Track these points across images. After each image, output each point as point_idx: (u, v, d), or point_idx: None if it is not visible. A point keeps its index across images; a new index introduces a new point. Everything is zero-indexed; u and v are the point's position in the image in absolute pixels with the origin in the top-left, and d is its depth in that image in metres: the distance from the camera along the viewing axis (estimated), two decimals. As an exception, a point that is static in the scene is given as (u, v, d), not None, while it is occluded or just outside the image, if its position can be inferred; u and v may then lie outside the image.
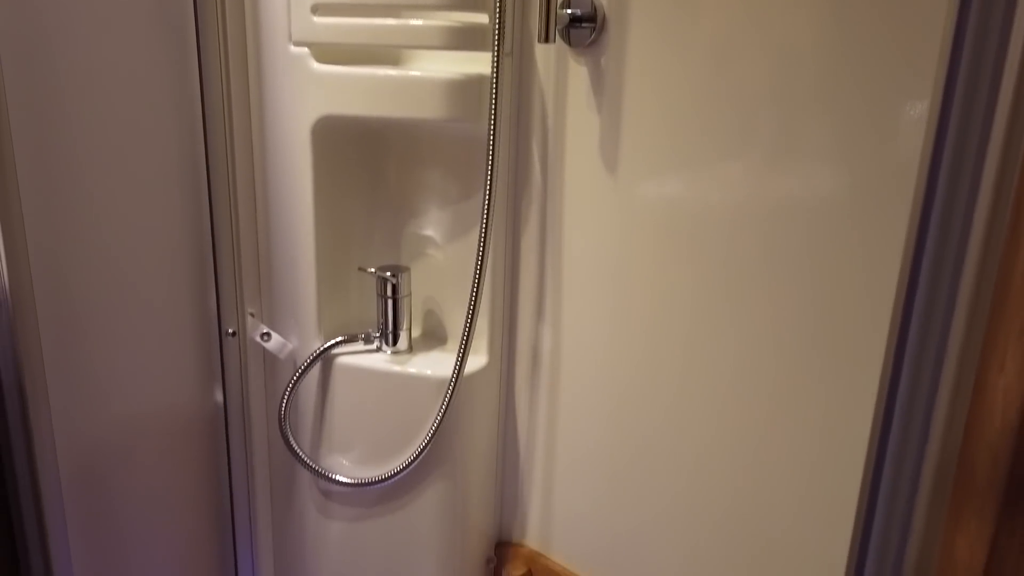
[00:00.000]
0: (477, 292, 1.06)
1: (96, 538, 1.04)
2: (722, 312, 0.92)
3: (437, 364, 1.14)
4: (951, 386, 0.35)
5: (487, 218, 1.03)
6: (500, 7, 0.96)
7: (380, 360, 1.15)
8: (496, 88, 0.98)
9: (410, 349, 1.17)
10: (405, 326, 1.16)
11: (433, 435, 1.11)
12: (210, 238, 1.10)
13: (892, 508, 0.35)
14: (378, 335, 1.16)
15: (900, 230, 0.66)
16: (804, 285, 0.82)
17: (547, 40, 0.95)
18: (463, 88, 1.01)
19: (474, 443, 1.19)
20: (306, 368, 1.14)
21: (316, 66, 1.03)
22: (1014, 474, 0.39)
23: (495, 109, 0.99)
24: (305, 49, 1.03)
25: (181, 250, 1.07)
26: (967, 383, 0.37)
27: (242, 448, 1.18)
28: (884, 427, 0.34)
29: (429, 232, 1.18)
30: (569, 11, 0.96)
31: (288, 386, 1.15)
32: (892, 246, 0.72)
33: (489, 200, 1.02)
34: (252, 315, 1.17)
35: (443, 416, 1.10)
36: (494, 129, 1.00)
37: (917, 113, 0.70)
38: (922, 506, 0.34)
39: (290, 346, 1.16)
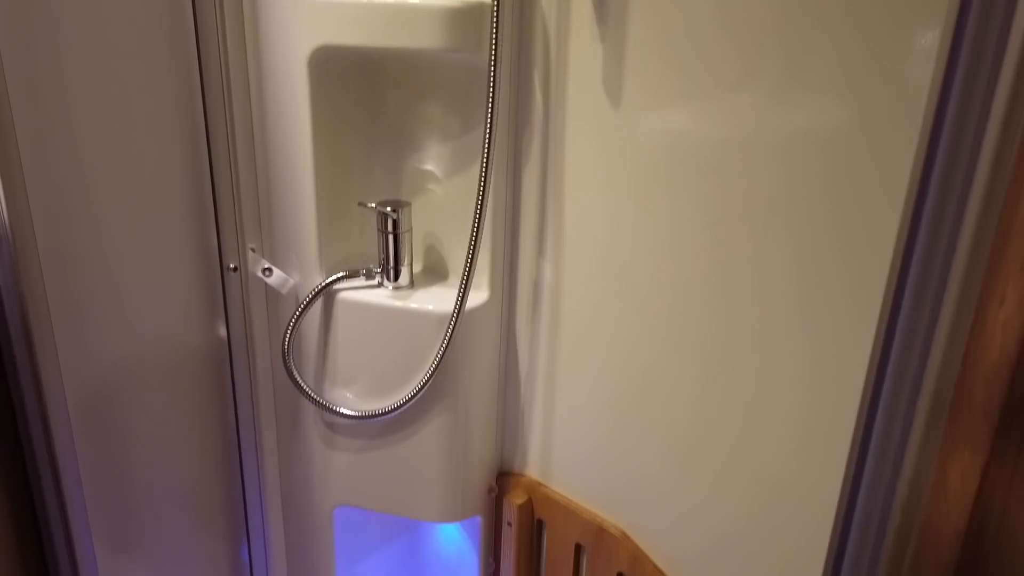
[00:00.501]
0: (478, 227, 1.06)
1: (106, 469, 1.06)
2: (725, 246, 0.91)
3: (438, 299, 1.15)
4: (951, 318, 0.35)
5: (488, 152, 1.02)
6: (501, -69, 0.92)
7: (382, 296, 1.16)
8: (497, 17, 0.96)
9: (411, 284, 1.18)
10: (406, 262, 1.16)
11: (435, 369, 1.13)
12: (208, 173, 1.09)
13: (887, 437, 0.35)
14: (379, 271, 1.16)
15: (907, 163, 0.66)
16: (808, 218, 0.81)
17: (549, -34, 0.92)
18: (463, 16, 0.99)
19: (475, 377, 1.20)
20: (308, 303, 1.15)
21: (312, -6, 1.00)
22: (1009, 405, 0.40)
23: (496, 39, 0.97)
24: (300, -24, 1.00)
25: (179, 184, 1.06)
26: (967, 315, 0.37)
27: (247, 381, 1.20)
28: (883, 358, 0.35)
29: (429, 167, 1.16)
30: (572, -65, 0.93)
31: (291, 321, 1.15)
32: (898, 179, 0.71)
33: (490, 133, 1.01)
34: (253, 250, 1.17)
35: (445, 351, 1.11)
36: (495, 59, 0.98)
37: (927, 42, 0.68)
38: (917, 435, 0.35)
39: (292, 281, 1.17)
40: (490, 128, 1.01)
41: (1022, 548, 0.36)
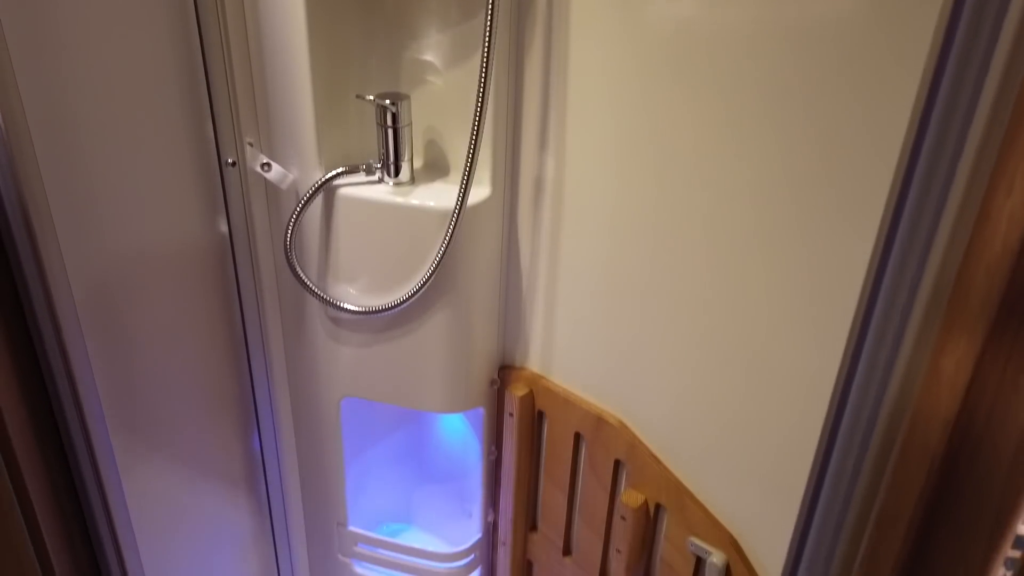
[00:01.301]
0: (479, 121, 1.04)
1: (116, 362, 1.08)
2: (732, 136, 0.90)
3: (440, 195, 1.14)
4: (957, 207, 0.35)
5: (488, 40, 0.99)
6: None
7: (382, 192, 1.15)
8: None
9: (412, 180, 1.17)
10: (406, 157, 1.14)
11: (437, 266, 1.13)
12: (202, 65, 1.06)
13: (885, 325, 0.36)
14: (379, 166, 1.15)
15: (922, 48, 0.63)
16: (818, 104, 0.79)
17: None
18: None
19: (477, 273, 1.21)
20: (308, 199, 1.14)
21: None
22: (1008, 297, 0.40)
23: (497, -82, 0.92)
24: None
25: (173, 78, 1.03)
26: (973, 205, 0.36)
27: (250, 277, 1.20)
28: (886, 247, 0.35)
29: (428, 57, 1.13)
30: None
31: (292, 217, 1.15)
32: (912, 65, 0.69)
33: (491, 20, 0.97)
34: (251, 145, 1.15)
35: (446, 247, 1.12)
36: (496, -59, 0.93)
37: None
38: (915, 323, 0.35)
39: (291, 177, 1.16)
40: (491, 15, 0.97)
41: (1010, 436, 0.37)
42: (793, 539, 0.46)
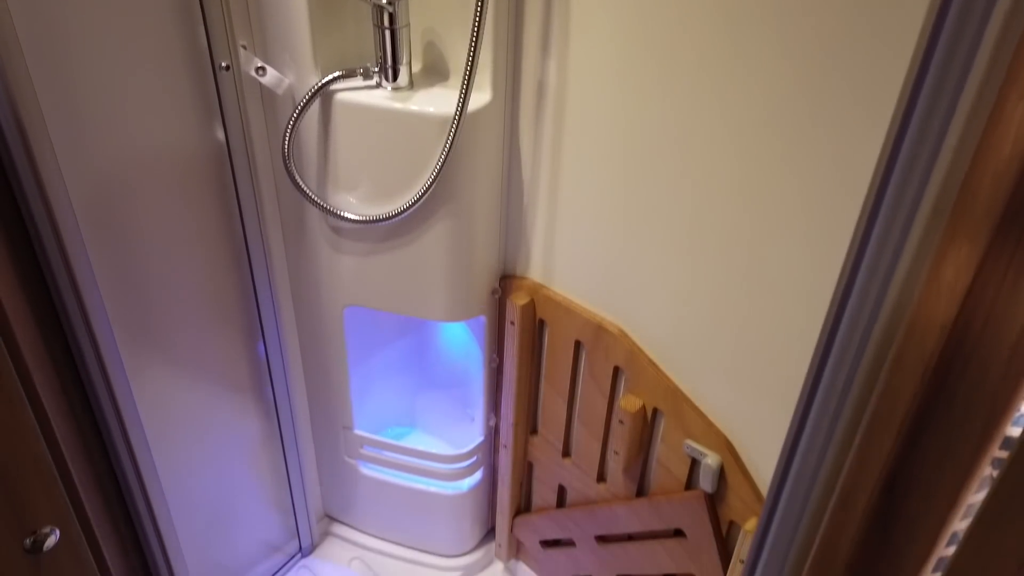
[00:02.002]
0: (479, 22, 1.00)
1: (119, 271, 1.09)
2: (737, 40, 0.87)
3: (439, 101, 1.11)
4: (968, 110, 0.34)
5: (489, -64, 0.95)
6: None
7: (380, 97, 1.12)
8: None
9: (411, 85, 1.14)
10: (405, 60, 1.11)
11: (437, 174, 1.12)
12: (190, -38, 1.02)
13: (888, 232, 0.35)
14: (377, 70, 1.12)
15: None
16: (825, 14, 0.77)
17: None
18: None
19: (479, 181, 1.20)
20: (305, 104, 1.12)
21: None
22: (1012, 203, 0.40)
23: None
24: None
25: (160, -25, 0.99)
26: (985, 109, 0.36)
27: (249, 185, 1.19)
28: (894, 150, 0.34)
29: (426, -46, 1.08)
30: None
31: (289, 123, 1.13)
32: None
33: (491, -86, 0.93)
34: (244, 48, 1.12)
35: (447, 155, 1.10)
36: None
37: None
38: (918, 230, 0.35)
39: (287, 81, 1.13)
40: (491, -92, 0.92)
41: (1006, 342, 0.37)
42: (786, 442, 0.47)
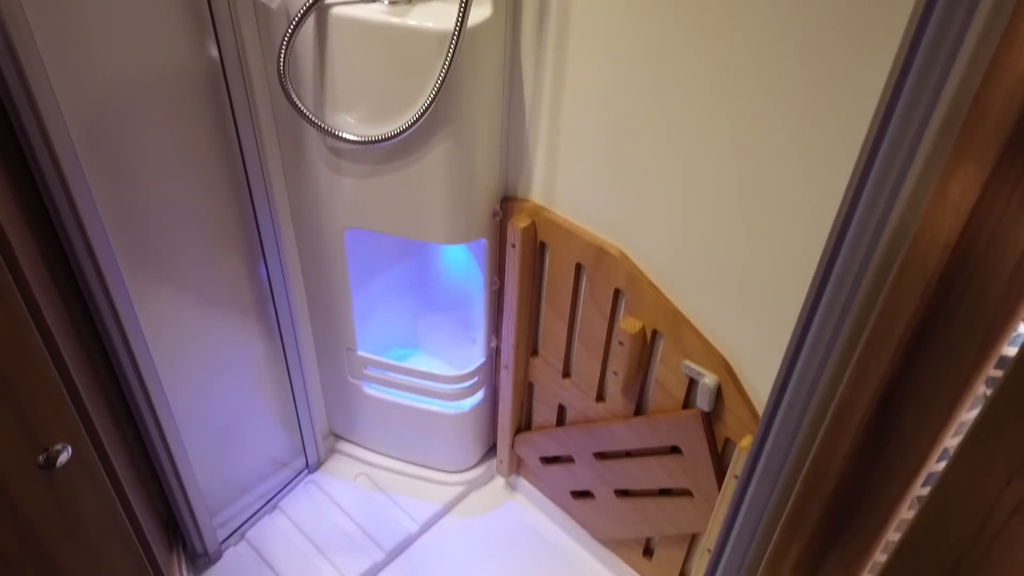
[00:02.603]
0: (479, -69, 0.96)
1: (118, 194, 1.08)
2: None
3: (438, 16, 1.08)
4: (981, 26, 0.33)
5: None
6: None
7: (377, 12, 1.09)
8: None
9: (409, 0, 1.10)
10: (402, -28, 1.07)
11: (437, 93, 1.09)
12: None
13: (895, 150, 0.35)
14: (373, -17, 1.08)
15: None
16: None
17: None
18: None
19: (479, 101, 1.17)
20: (300, 19, 1.09)
21: None
22: (1023, 122, 0.39)
23: None
24: None
25: None
26: (999, 25, 0.34)
27: (245, 105, 1.17)
28: (906, 64, 0.33)
29: None
30: None
31: (284, 39, 1.10)
32: None
33: None
34: (235, -40, 1.08)
35: (446, 73, 1.07)
36: None
37: None
38: (926, 146, 0.34)
39: (281, -4, 1.09)
40: None
41: (1008, 262, 0.37)
42: (784, 358, 0.48)
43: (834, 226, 0.41)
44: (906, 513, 0.46)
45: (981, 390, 0.38)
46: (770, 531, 0.55)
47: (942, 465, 0.43)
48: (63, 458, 0.97)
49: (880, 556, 0.47)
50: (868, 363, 0.43)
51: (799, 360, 0.49)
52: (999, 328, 0.36)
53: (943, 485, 0.38)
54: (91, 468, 1.03)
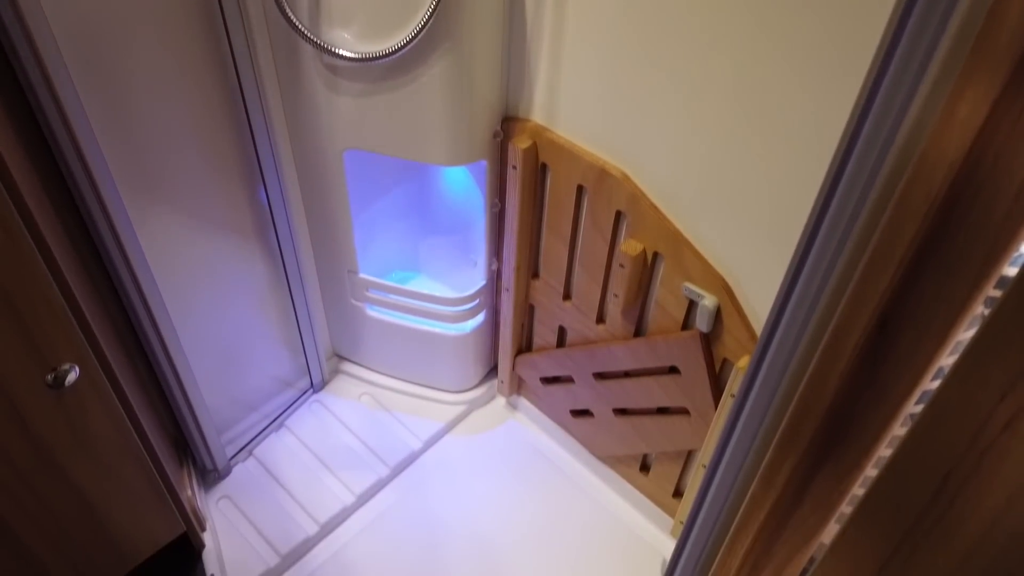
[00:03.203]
0: None
1: (113, 115, 1.06)
2: None
3: (436, -75, 1.04)
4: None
5: None
6: None
7: (373, -80, 1.04)
8: None
9: (405, -93, 1.06)
10: None
11: (435, 7, 1.06)
12: None
13: (905, 68, 0.34)
14: None
15: None
16: None
17: None
18: None
19: (479, 17, 1.14)
20: (293, -70, 1.04)
21: None
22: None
23: None
24: None
25: None
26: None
27: (239, 22, 1.14)
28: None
29: None
30: None
31: (276, -49, 1.06)
32: None
33: None
34: None
35: (445, -15, 1.04)
36: None
37: None
38: (937, 62, 0.33)
39: (272, -97, 1.05)
40: None
41: (1013, 180, 0.37)
42: (785, 279, 0.48)
43: (840, 145, 0.40)
44: (899, 430, 0.47)
45: (979, 311, 0.38)
46: (764, 447, 0.56)
47: (936, 384, 0.44)
48: (71, 377, 0.99)
49: (871, 471, 0.48)
50: (868, 282, 0.44)
51: (799, 279, 0.49)
52: (1001, 248, 0.36)
53: (937, 401, 0.39)
54: (99, 387, 1.05)
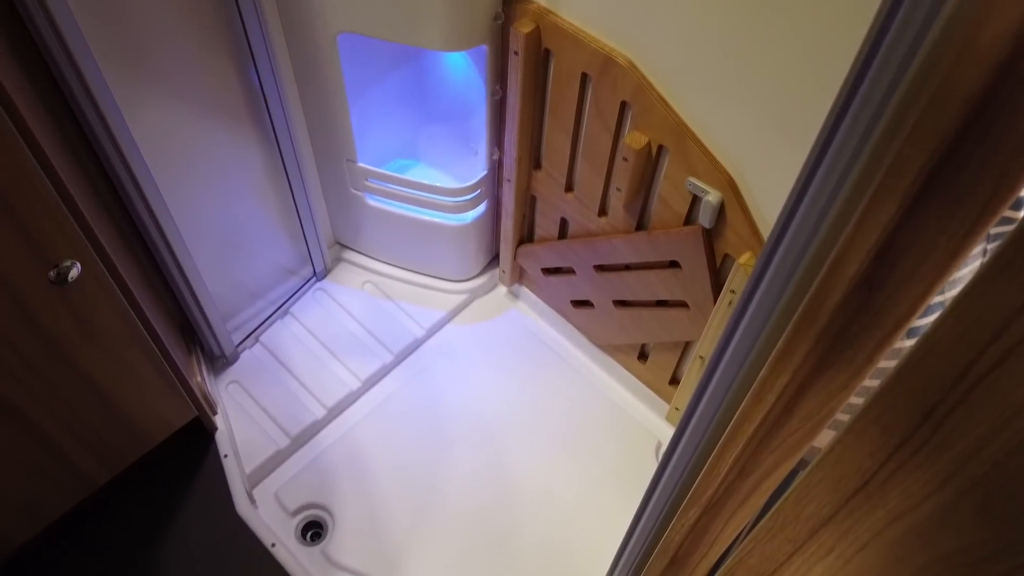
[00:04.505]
0: None
1: (123, 62, 1.01)
2: None
3: None
4: None
5: None
6: None
7: None
8: None
9: None
10: None
11: None
12: None
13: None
14: None
15: None
16: None
17: None
18: None
19: None
20: None
21: None
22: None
23: None
24: None
25: None
26: None
27: None
28: None
29: None
30: None
31: None
32: None
33: None
34: None
35: None
36: None
37: None
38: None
39: None
40: None
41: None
42: (797, 182, 0.46)
43: (870, 31, 0.37)
44: (886, 363, 0.47)
45: (982, 246, 0.38)
46: (760, 361, 0.57)
47: (926, 320, 0.44)
48: (73, 273, 0.99)
49: (856, 399, 0.49)
50: (873, 206, 0.43)
51: (805, 197, 0.48)
52: (1006, 186, 0.35)
53: (931, 335, 0.39)
54: (101, 281, 1.06)
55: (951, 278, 0.40)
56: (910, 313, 0.42)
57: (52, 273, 0.98)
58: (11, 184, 0.88)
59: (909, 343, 0.45)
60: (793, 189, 0.48)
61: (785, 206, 0.49)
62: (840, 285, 0.45)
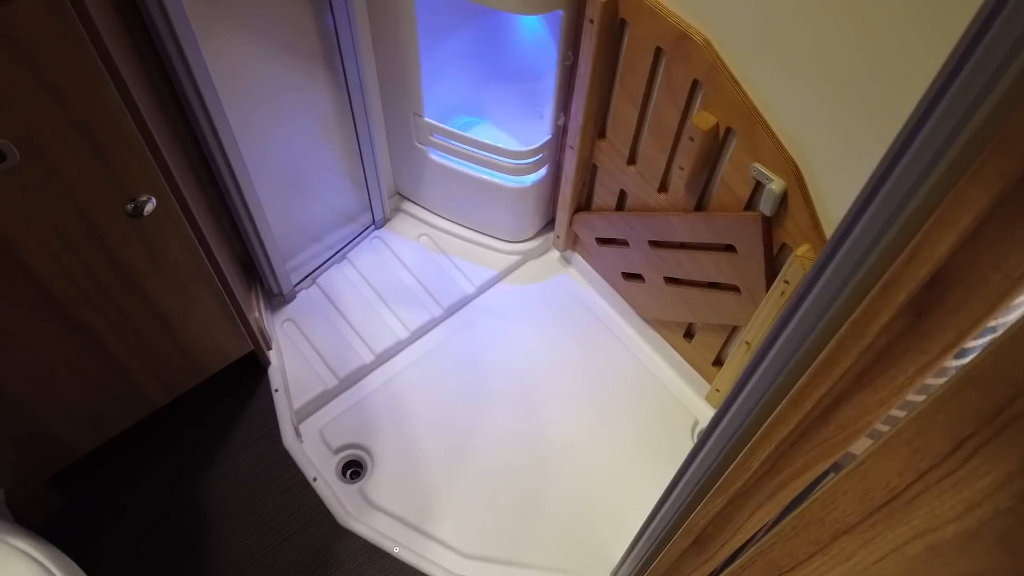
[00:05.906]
0: None
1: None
2: None
3: None
4: None
5: None
6: None
7: None
8: None
9: None
10: None
11: None
12: None
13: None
14: None
15: None
16: None
17: None
18: None
19: None
20: None
21: None
22: None
23: None
24: None
25: None
26: None
27: None
28: None
29: None
30: None
31: None
32: None
33: None
34: None
35: None
36: None
37: None
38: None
39: None
40: None
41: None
42: (865, 188, 0.46)
43: (977, 16, 0.34)
44: (933, 380, 0.47)
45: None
46: (801, 369, 0.58)
47: (982, 342, 0.44)
48: (149, 208, 1.04)
49: (898, 412, 0.50)
50: (932, 235, 0.43)
51: (874, 200, 0.47)
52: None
53: (973, 369, 0.40)
54: (173, 216, 1.10)
55: (1004, 309, 0.40)
56: (956, 342, 0.42)
57: (129, 206, 1.02)
58: (97, 121, 0.92)
59: (958, 363, 0.45)
60: (852, 206, 0.48)
61: (842, 223, 0.49)
62: (888, 308, 0.45)
